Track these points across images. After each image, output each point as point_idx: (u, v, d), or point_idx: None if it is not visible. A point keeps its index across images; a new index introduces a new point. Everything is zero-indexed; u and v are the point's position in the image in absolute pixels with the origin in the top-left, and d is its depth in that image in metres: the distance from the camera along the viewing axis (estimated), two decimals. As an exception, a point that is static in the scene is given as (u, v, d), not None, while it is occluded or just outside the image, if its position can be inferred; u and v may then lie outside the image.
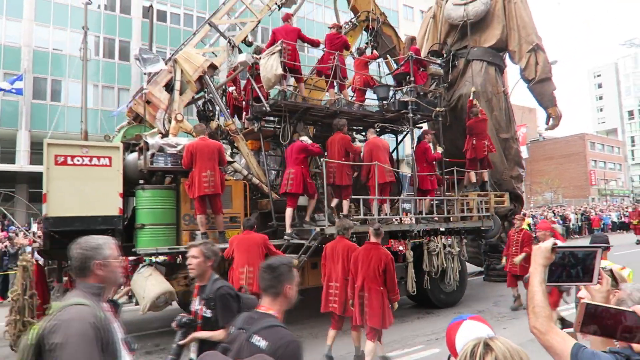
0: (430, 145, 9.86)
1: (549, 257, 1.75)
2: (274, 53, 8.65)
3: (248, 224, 7.27)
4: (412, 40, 10.90)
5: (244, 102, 10.26)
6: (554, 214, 29.30)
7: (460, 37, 13.17)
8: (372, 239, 6.27)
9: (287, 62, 8.69)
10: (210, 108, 9.83)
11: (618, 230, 30.01)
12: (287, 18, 9.54)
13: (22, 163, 24.80)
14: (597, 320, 1.37)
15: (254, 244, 7.01)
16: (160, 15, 29.63)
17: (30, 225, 18.44)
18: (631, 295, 1.85)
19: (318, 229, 8.09)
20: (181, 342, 3.33)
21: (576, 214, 30.23)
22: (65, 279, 8.38)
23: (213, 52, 10.04)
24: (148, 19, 18.94)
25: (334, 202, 8.88)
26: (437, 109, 9.80)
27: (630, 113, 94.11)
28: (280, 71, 8.55)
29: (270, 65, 8.59)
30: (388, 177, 8.70)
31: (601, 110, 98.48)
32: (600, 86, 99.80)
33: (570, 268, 1.73)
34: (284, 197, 8.45)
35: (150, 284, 7.39)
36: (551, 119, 12.48)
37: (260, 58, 9.09)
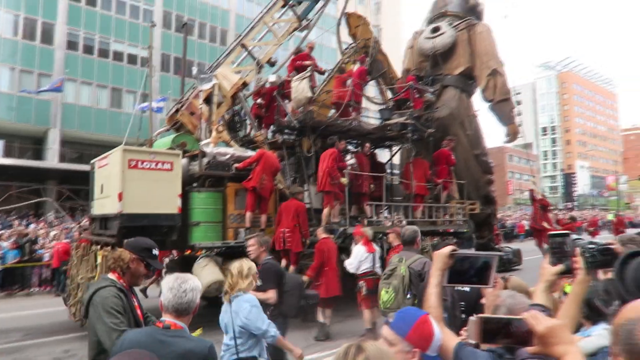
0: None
1: (446, 262, 1.85)
2: (304, 78, 10.10)
3: None
4: (408, 71, 12.74)
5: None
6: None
7: (433, 65, 15.10)
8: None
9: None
10: (237, 120, 11.07)
11: (529, 237, 33.56)
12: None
13: None
14: (494, 331, 1.42)
15: None
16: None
17: None
18: (504, 301, 2.02)
19: (341, 229, 9.65)
20: None
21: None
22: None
23: (239, 70, 11.27)
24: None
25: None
26: (429, 130, 11.70)
27: (544, 129, 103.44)
28: (309, 94, 10.01)
29: (302, 88, 10.02)
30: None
31: (519, 125, 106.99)
32: (519, 103, 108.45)
33: (469, 272, 1.85)
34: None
35: (204, 274, 8.58)
36: (508, 135, 14.75)
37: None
